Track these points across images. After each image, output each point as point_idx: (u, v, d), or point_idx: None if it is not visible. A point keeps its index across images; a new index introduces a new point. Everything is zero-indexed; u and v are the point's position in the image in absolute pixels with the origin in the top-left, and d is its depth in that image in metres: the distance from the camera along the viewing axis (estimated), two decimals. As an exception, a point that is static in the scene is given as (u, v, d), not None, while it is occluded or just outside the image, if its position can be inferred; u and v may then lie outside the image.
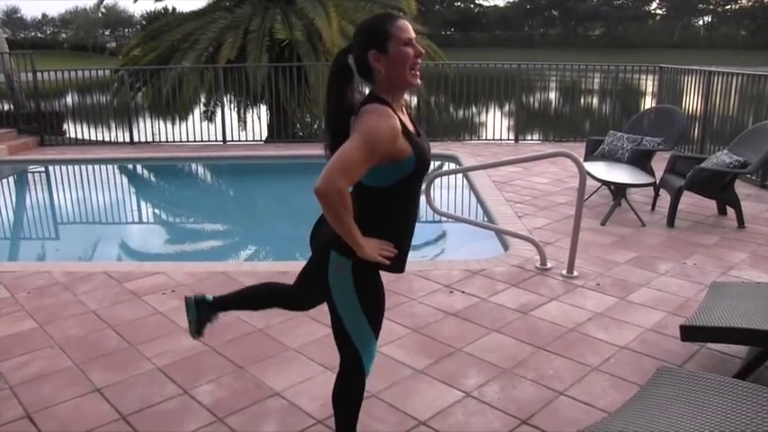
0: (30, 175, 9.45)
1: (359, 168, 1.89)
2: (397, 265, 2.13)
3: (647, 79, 11.41)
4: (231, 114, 12.21)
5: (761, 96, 7.48)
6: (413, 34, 2.02)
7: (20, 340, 3.52)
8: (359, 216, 1.97)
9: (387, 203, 2.07)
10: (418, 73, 2.05)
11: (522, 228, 5.54)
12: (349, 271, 2.05)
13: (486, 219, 6.13)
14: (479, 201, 6.77)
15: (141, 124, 11.04)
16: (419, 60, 2.03)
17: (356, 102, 2.06)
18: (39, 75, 10.27)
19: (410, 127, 2.07)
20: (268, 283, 2.72)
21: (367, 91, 2.09)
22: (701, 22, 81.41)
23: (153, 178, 9.94)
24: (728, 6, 76.61)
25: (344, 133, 1.99)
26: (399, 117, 2.00)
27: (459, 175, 8.00)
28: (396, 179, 2.01)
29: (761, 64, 32.09)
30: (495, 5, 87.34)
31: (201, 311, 2.72)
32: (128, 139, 10.55)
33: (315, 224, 2.25)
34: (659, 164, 6.59)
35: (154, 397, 2.94)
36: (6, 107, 11.06)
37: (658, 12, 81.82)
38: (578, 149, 7.28)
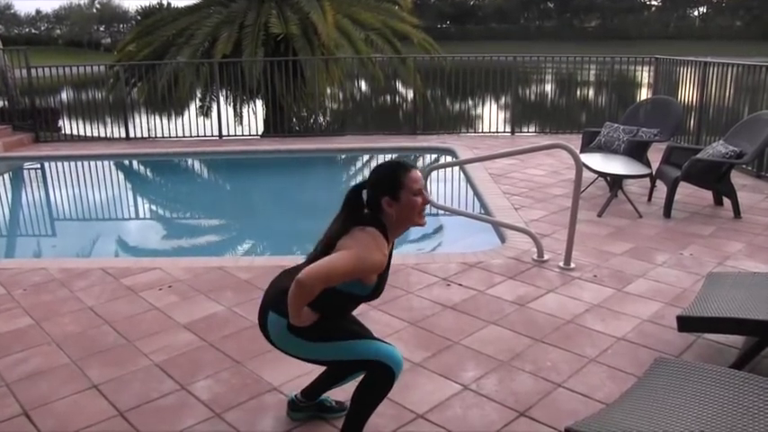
0: (25, 172, 9.43)
1: (338, 279, 2.15)
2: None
3: (642, 70, 11.41)
4: (227, 109, 12.17)
5: (756, 87, 7.48)
6: (422, 184, 2.29)
7: (17, 337, 3.51)
8: None
9: (332, 300, 2.25)
10: (424, 214, 2.32)
11: (518, 220, 5.54)
12: (285, 327, 2.26)
13: (482, 211, 6.13)
14: (476, 193, 6.77)
15: (137, 120, 11.01)
16: (425, 207, 2.29)
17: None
18: (33, 71, 10.21)
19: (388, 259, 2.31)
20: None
21: None
22: (696, 13, 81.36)
23: (149, 174, 9.92)
24: (724, -3, 76.64)
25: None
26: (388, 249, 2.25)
27: (456, 168, 8.00)
28: (349, 291, 2.25)
29: (756, 54, 32.09)
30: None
31: (306, 410, 2.72)
32: (123, 135, 10.52)
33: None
34: (655, 155, 6.59)
35: (151, 393, 2.94)
36: (1, 104, 11.01)
37: (654, 3, 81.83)
38: (575, 141, 7.28)
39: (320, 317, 2.27)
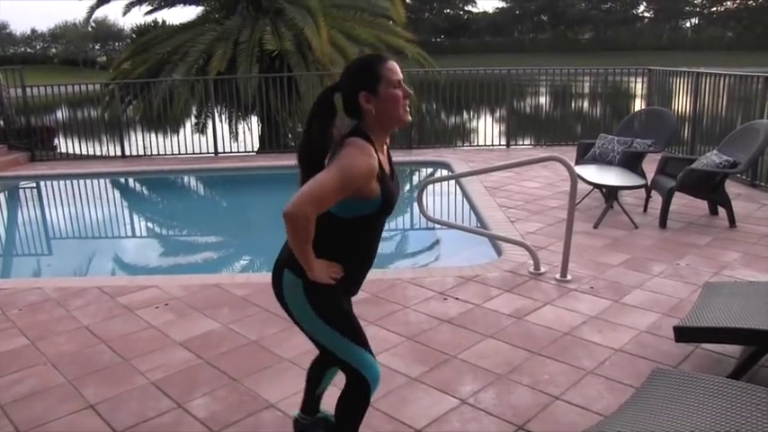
0: (21, 192, 9.42)
1: (330, 199, 1.96)
2: (348, 289, 2.22)
3: (636, 82, 11.47)
4: (222, 126, 12.20)
5: (749, 96, 7.53)
6: (401, 75, 2.08)
7: (12, 358, 3.49)
8: (317, 238, 2.02)
9: (345, 233, 2.12)
10: (408, 110, 2.11)
11: (514, 233, 5.54)
12: (301, 289, 2.11)
13: (478, 224, 6.14)
14: (472, 207, 6.77)
15: (133, 137, 11.02)
16: (407, 101, 2.09)
17: (336, 135, 2.11)
18: (29, 90, 10.24)
19: (386, 168, 2.13)
20: (311, 365, 2.63)
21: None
22: (688, 24, 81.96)
23: (145, 191, 9.91)
24: (714, 9, 77.15)
25: (319, 165, 2.06)
26: (379, 157, 2.06)
27: (452, 182, 8.01)
28: (357, 214, 2.07)
29: (747, 64, 32.33)
30: (485, 12, 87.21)
31: (309, 428, 2.63)
32: (119, 153, 10.52)
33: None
34: (650, 165, 6.61)
35: (148, 412, 2.92)
36: (-4, 123, 11.02)
37: (646, 15, 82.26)
38: (570, 153, 7.32)
39: (342, 267, 2.12)
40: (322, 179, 1.95)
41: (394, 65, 2.07)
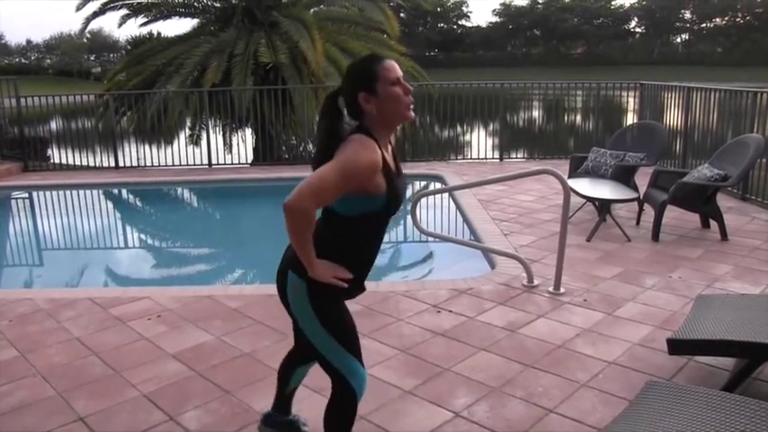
0: (13, 201, 9.37)
1: (330, 193, 1.95)
2: (349, 291, 2.18)
3: (628, 96, 11.56)
4: (217, 138, 12.18)
5: (739, 111, 7.60)
6: (400, 73, 2.08)
7: (1, 370, 3.46)
8: (321, 238, 2.01)
9: (349, 232, 2.11)
10: (412, 107, 2.10)
11: (508, 246, 5.55)
12: (305, 291, 2.10)
13: (472, 237, 6.14)
14: (465, 220, 6.78)
15: (126, 149, 10.99)
16: (410, 97, 2.09)
17: (345, 134, 2.10)
18: (23, 100, 10.21)
19: (391, 165, 2.13)
20: (282, 363, 2.65)
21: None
22: (678, 40, 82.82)
23: (138, 203, 9.88)
24: (704, 25, 78.09)
25: None
26: (383, 153, 2.05)
27: (445, 195, 8.02)
28: (362, 211, 2.06)
29: (736, 79, 32.64)
30: (478, 26, 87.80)
31: (277, 426, 2.66)
32: (113, 164, 10.49)
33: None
34: (642, 179, 6.65)
35: (140, 424, 2.89)
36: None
37: (638, 30, 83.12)
38: (562, 167, 7.34)
39: (345, 266, 2.09)
40: (322, 172, 1.94)
41: (391, 63, 2.07)
